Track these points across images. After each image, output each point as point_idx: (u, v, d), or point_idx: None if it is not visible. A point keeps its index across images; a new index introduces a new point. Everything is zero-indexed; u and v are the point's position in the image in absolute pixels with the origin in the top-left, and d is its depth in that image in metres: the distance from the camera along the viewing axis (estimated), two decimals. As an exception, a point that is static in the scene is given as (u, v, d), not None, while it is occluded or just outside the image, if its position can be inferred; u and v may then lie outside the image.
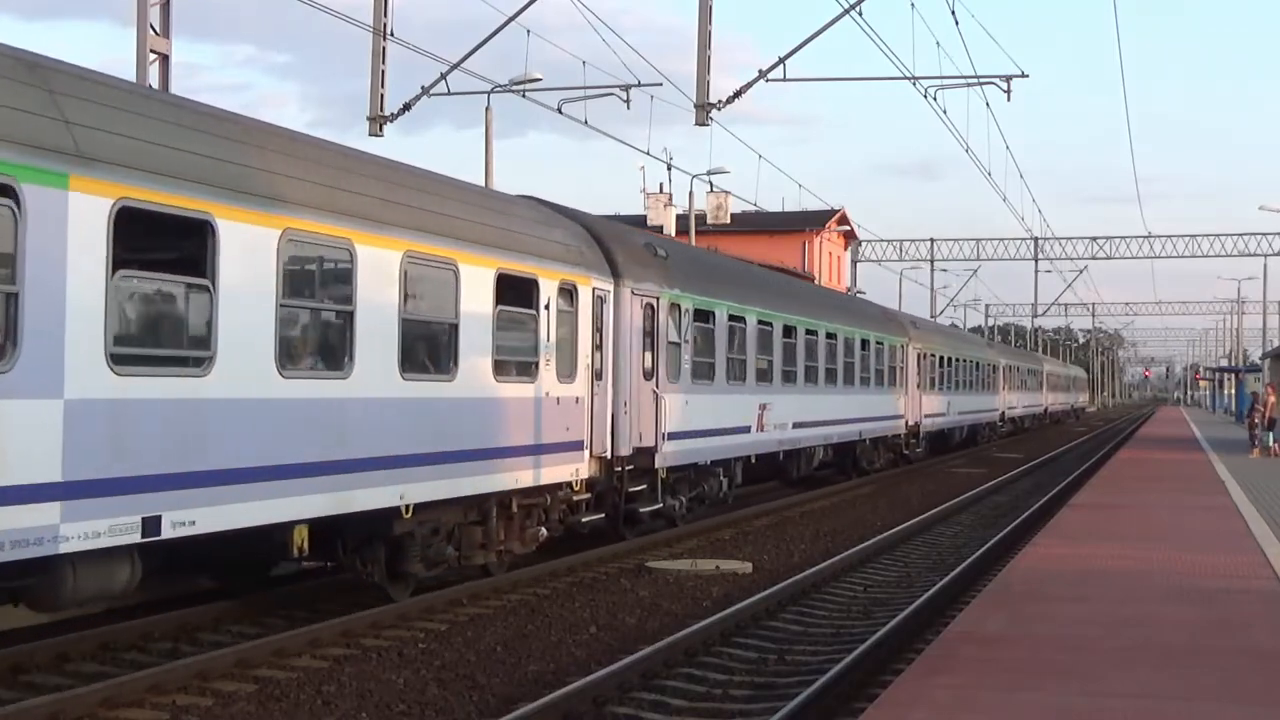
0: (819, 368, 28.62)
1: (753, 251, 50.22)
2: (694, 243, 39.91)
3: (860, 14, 23.73)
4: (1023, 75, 28.32)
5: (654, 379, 19.81)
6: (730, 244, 53.39)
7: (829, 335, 29.49)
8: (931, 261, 74.55)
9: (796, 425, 26.92)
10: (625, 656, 11.96)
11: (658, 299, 20.03)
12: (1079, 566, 14.66)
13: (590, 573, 17.56)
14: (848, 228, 75.51)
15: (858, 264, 74.15)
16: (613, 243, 19.25)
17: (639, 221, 47.03)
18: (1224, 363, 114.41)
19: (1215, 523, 19.51)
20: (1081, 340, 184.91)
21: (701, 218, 48.67)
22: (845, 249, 78.12)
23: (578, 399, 17.52)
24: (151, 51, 20.07)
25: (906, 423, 37.89)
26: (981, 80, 28.93)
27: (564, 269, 17.13)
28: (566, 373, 17.16)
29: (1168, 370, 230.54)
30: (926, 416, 40.09)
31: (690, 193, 46.57)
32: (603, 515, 18.89)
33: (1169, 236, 71.04)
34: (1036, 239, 69.85)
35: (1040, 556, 15.66)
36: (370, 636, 13.18)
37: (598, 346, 18.18)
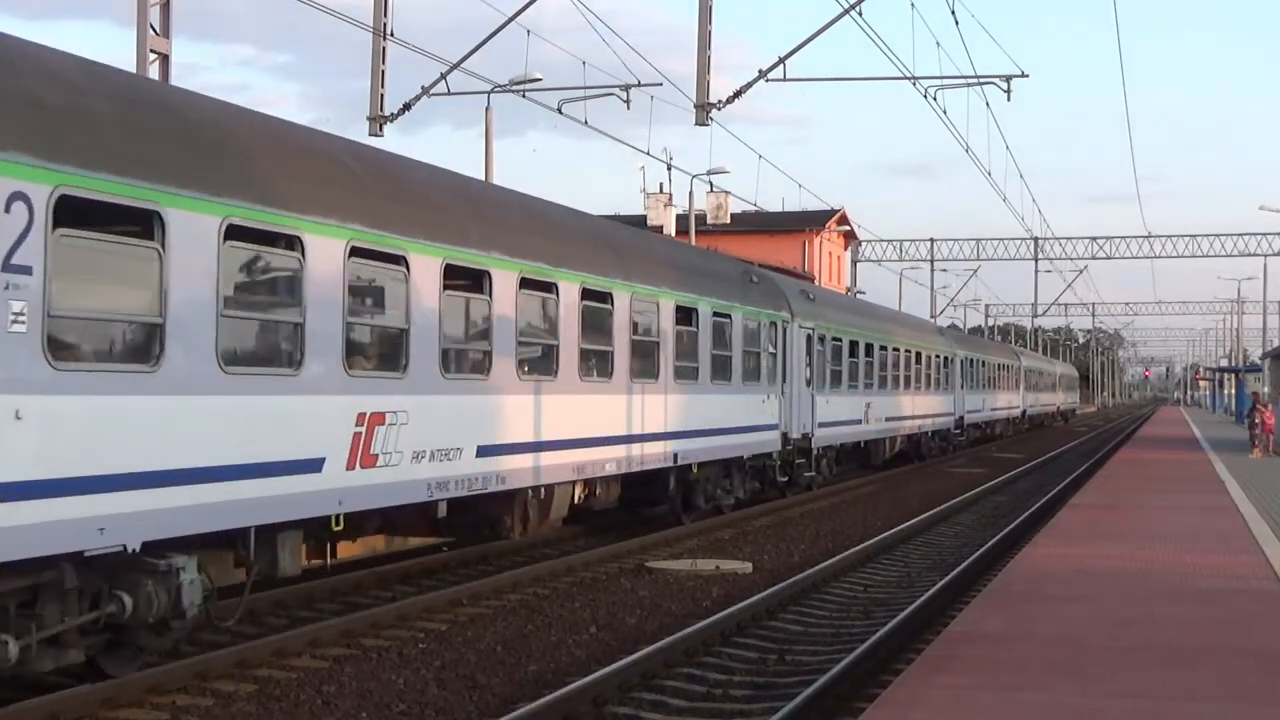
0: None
1: (753, 252, 50.22)
2: (694, 243, 39.87)
3: (860, 14, 23.78)
4: (1023, 75, 28.39)
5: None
6: (730, 244, 53.37)
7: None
8: (931, 261, 74.51)
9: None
10: (625, 656, 11.95)
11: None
12: (1079, 566, 14.66)
13: (590, 573, 17.57)
14: (848, 228, 75.52)
15: (858, 264, 74.13)
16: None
17: (639, 221, 46.98)
18: (1224, 363, 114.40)
19: (1215, 523, 19.51)
20: (1081, 340, 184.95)
21: (701, 218, 48.65)
22: (845, 249, 78.12)
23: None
24: (151, 51, 20.07)
25: (787, 435, 26.53)
26: (981, 80, 28.98)
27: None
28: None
29: (1168, 370, 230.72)
30: (823, 426, 28.82)
31: (690, 193, 46.59)
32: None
33: (1169, 236, 70.94)
34: (1036, 239, 69.82)
35: (1040, 556, 15.66)
36: (370, 636, 13.18)
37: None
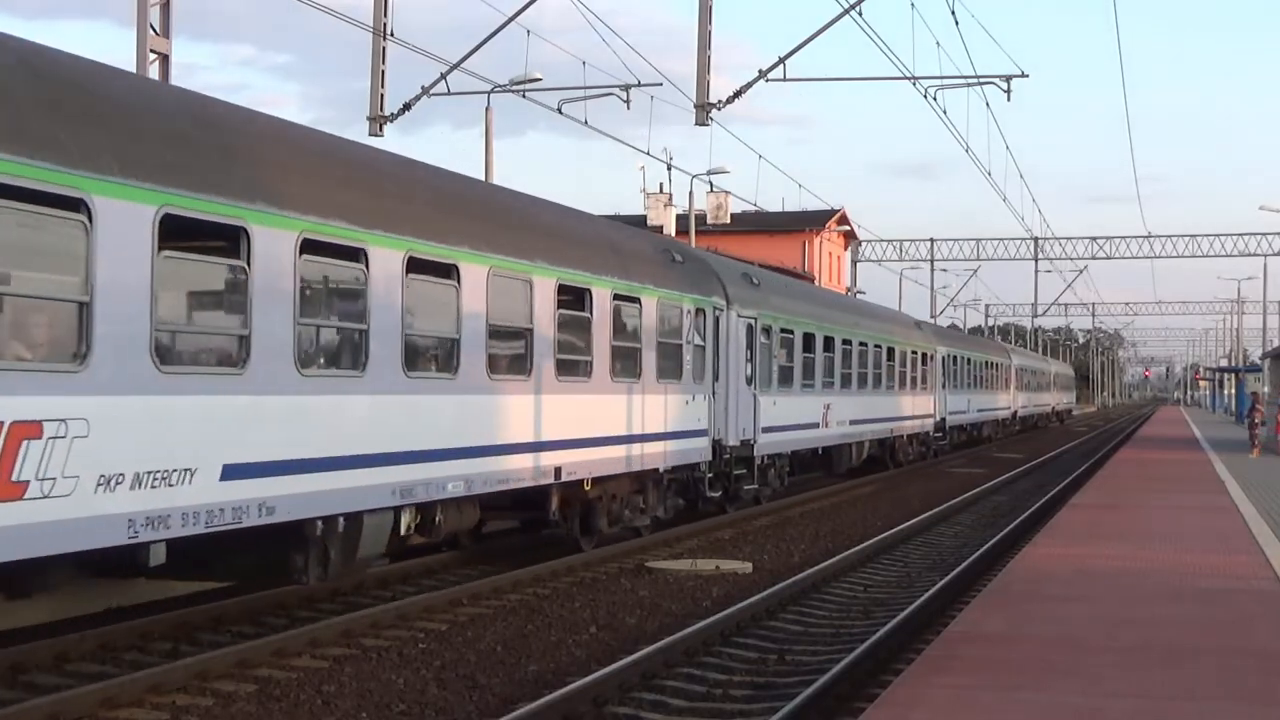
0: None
1: (752, 252, 50.25)
2: (694, 243, 39.87)
3: (860, 14, 23.77)
4: (1023, 75, 28.38)
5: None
6: (730, 244, 53.38)
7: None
8: (931, 261, 74.53)
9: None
10: (625, 656, 11.95)
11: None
12: (1079, 566, 14.66)
13: (590, 573, 17.56)
14: (848, 228, 75.54)
15: (858, 264, 74.15)
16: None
17: (639, 221, 46.98)
18: (1224, 363, 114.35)
19: (1215, 523, 19.51)
20: (1081, 340, 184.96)
21: (701, 218, 48.65)
22: (845, 249, 78.15)
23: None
24: (151, 51, 20.08)
25: (721, 443, 22.68)
26: (981, 80, 28.97)
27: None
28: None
29: (1168, 370, 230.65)
30: (769, 431, 25.09)
31: (690, 193, 46.60)
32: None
33: (1169, 236, 70.99)
34: (1036, 239, 69.83)
35: (1040, 556, 15.66)
36: (370, 636, 13.18)
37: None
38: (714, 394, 21.96)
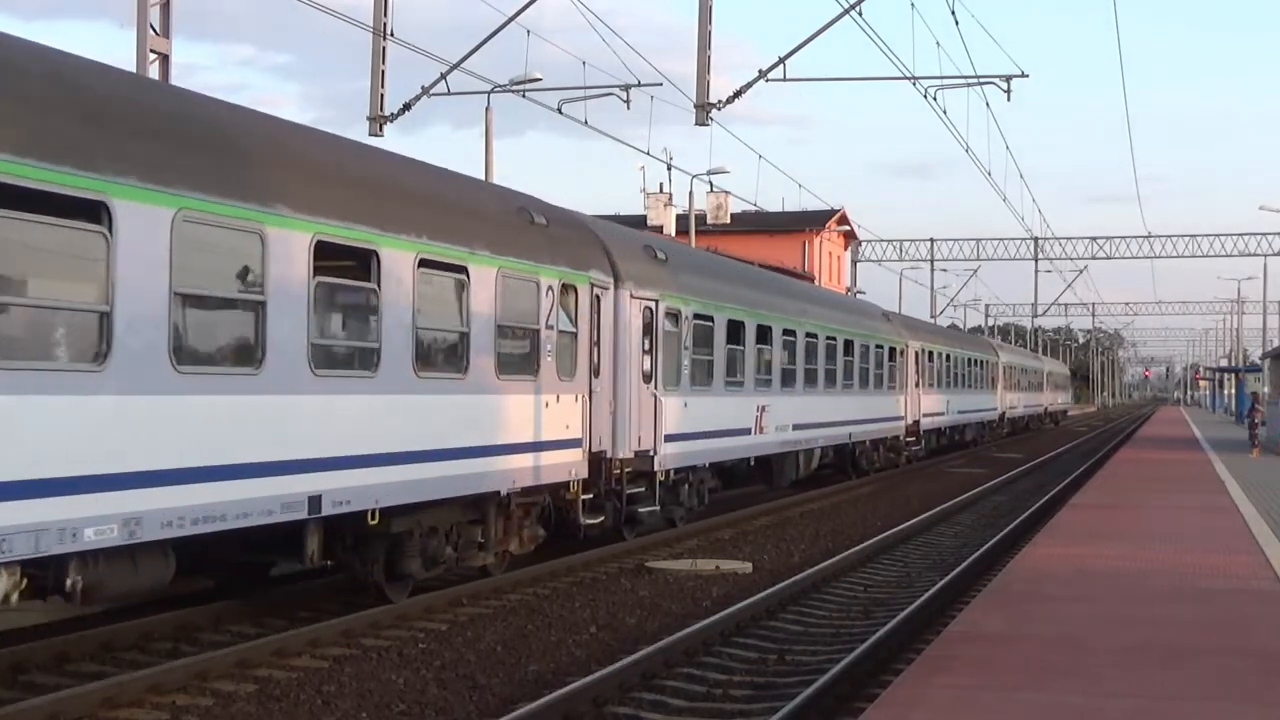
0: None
1: (753, 251, 50.23)
2: (694, 243, 39.87)
3: (860, 14, 23.77)
4: (1023, 75, 28.37)
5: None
6: (730, 244, 53.38)
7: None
8: (931, 261, 74.55)
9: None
10: (625, 656, 11.96)
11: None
12: (1079, 566, 14.66)
13: (590, 573, 17.56)
14: (848, 228, 75.55)
15: (858, 264, 74.18)
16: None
17: (639, 221, 47.03)
18: (1224, 363, 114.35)
19: (1215, 523, 19.50)
20: (1081, 340, 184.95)
21: (701, 218, 48.65)
22: (845, 249, 78.16)
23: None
24: (151, 51, 20.07)
25: (604, 455, 18.44)
26: (981, 80, 28.97)
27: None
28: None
29: (1168, 370, 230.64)
30: (676, 439, 20.42)
31: (690, 193, 46.58)
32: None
33: (1169, 236, 71.04)
34: (1036, 239, 69.87)
35: (1040, 556, 15.66)
36: (370, 636, 13.17)
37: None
38: (592, 393, 17.71)
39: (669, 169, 44.12)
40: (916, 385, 38.87)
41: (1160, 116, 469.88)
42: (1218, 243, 70.37)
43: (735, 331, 23.28)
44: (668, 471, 20.07)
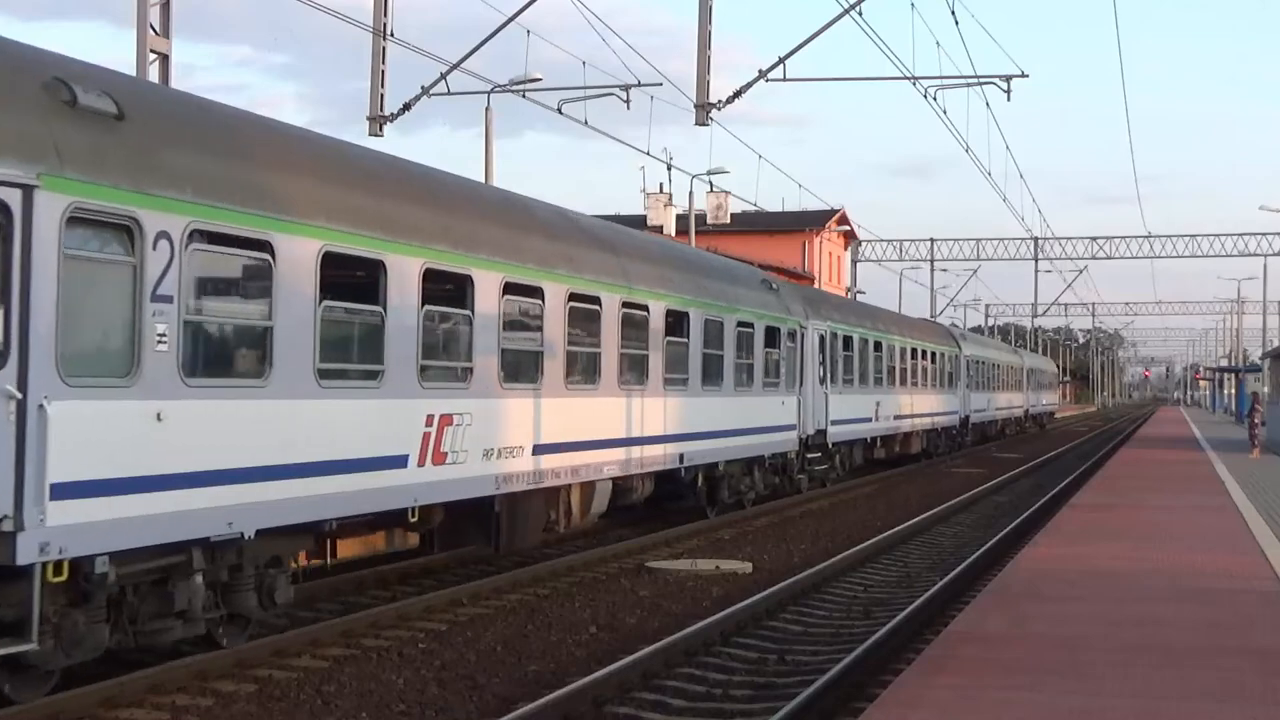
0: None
1: (752, 251, 50.25)
2: (694, 243, 39.85)
3: (860, 14, 23.77)
4: (1023, 75, 28.34)
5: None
6: (730, 244, 53.41)
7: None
8: (931, 261, 74.56)
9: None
10: (625, 656, 11.96)
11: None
12: (1079, 566, 14.66)
13: (590, 573, 17.57)
14: (847, 228, 75.58)
15: (858, 264, 74.17)
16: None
17: (639, 221, 46.99)
18: (1224, 363, 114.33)
19: (1215, 523, 19.51)
20: (1081, 340, 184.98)
21: (701, 218, 48.63)
22: (845, 249, 78.17)
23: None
24: (151, 51, 20.07)
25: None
26: (981, 80, 28.95)
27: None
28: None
29: (1168, 370, 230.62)
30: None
31: (690, 193, 46.54)
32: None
33: (1169, 236, 71.02)
34: (1036, 239, 69.87)
35: (1040, 556, 15.66)
36: (370, 636, 13.18)
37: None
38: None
39: (669, 169, 44.15)
40: (823, 381, 29.44)
41: (1160, 116, 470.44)
42: (1218, 243, 70.41)
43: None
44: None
